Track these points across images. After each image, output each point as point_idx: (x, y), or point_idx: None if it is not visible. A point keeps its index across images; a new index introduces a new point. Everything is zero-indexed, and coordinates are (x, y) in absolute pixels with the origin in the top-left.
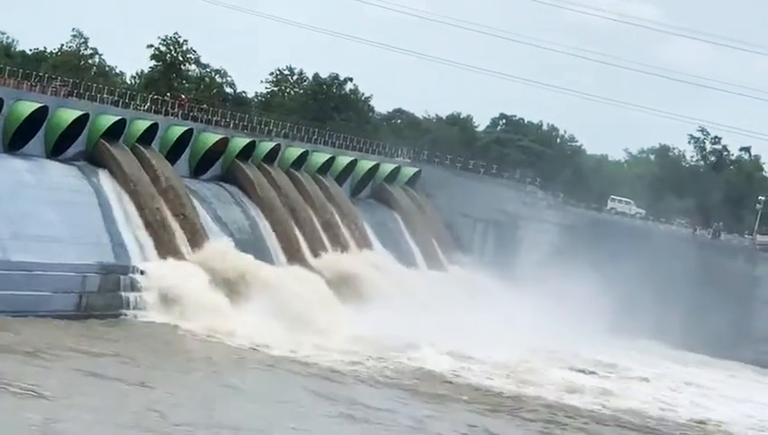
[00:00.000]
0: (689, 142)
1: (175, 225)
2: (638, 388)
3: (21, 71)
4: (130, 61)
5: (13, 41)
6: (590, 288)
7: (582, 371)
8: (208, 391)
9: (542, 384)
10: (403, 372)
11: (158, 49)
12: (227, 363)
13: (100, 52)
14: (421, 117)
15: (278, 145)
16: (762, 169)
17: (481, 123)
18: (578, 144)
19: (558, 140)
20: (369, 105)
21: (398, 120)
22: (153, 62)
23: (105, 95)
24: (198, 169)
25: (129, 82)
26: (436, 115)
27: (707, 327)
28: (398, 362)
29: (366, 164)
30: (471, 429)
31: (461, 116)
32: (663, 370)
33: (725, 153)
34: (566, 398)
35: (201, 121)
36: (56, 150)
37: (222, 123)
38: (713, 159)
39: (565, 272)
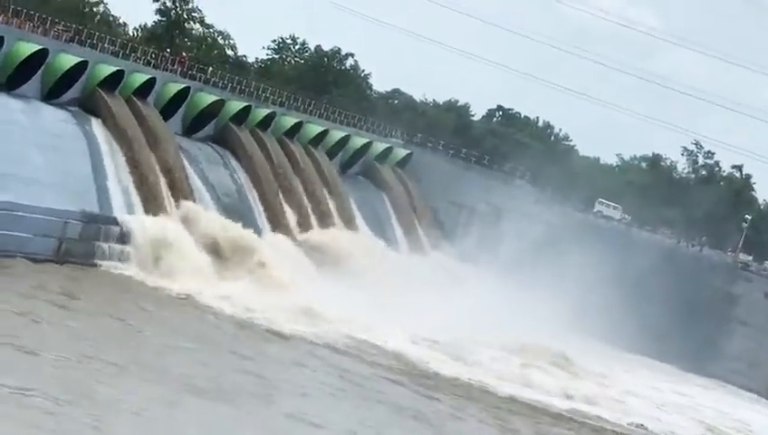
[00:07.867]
0: (682, 154)
1: (162, 181)
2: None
3: (24, 11)
4: (135, 13)
5: None
6: (562, 288)
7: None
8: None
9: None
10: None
11: (164, 4)
12: (197, 323)
13: (105, 0)
14: (419, 100)
15: (273, 112)
16: (751, 189)
17: (477, 113)
18: (571, 144)
19: (552, 138)
20: (368, 82)
21: (396, 101)
22: (158, 17)
23: (106, 45)
24: (191, 128)
25: (131, 34)
26: (434, 100)
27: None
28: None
29: (359, 141)
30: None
31: (458, 103)
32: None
33: (717, 169)
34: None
35: (199, 81)
36: (52, 94)
37: (219, 85)
38: (704, 173)
39: (543, 269)
